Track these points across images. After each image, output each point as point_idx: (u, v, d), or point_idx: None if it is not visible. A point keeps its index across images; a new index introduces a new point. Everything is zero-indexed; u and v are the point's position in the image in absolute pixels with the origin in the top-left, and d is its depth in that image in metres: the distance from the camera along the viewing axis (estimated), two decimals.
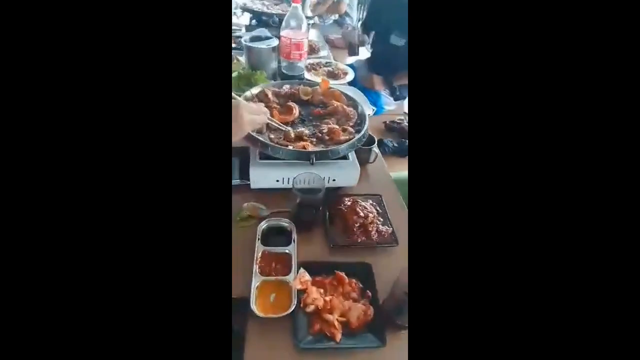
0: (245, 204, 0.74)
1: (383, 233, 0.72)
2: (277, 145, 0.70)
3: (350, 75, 1.28)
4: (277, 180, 0.75)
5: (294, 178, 0.67)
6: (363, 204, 0.75)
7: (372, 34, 1.71)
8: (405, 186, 0.96)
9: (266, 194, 0.77)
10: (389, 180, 0.91)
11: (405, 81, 1.73)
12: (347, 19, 2.18)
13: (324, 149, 0.71)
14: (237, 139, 0.61)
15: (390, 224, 0.74)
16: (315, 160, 0.69)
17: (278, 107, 0.83)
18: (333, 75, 1.29)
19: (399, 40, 1.52)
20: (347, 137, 0.76)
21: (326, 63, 1.38)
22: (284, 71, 1.15)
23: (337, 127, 0.77)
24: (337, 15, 2.11)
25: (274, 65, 1.16)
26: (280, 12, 1.52)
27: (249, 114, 0.62)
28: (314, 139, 0.75)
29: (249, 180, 0.78)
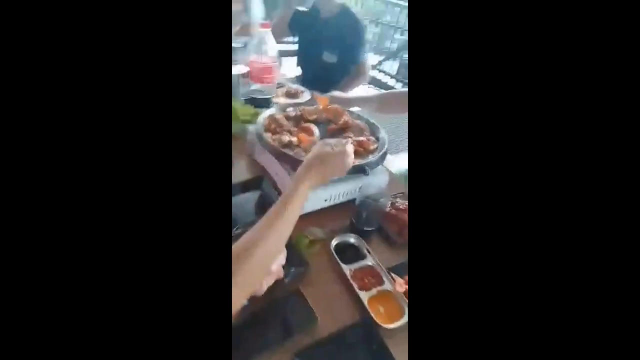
0: (306, 231, 0.72)
1: None
2: None
3: (307, 94, 1.33)
4: (326, 200, 0.76)
5: (359, 190, 0.69)
6: (400, 202, 0.83)
7: None
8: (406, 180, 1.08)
9: (311, 216, 0.76)
10: (393, 177, 1.01)
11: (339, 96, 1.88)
12: None
13: (370, 160, 0.76)
14: (343, 174, 0.62)
15: None
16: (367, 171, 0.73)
17: (296, 129, 0.83)
18: (292, 95, 1.31)
19: (331, 57, 1.65)
20: (374, 146, 0.83)
21: (278, 84, 1.38)
22: (254, 96, 1.13)
23: (364, 138, 0.82)
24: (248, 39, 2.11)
25: (242, 90, 1.12)
26: None
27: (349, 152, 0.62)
28: None
29: None
